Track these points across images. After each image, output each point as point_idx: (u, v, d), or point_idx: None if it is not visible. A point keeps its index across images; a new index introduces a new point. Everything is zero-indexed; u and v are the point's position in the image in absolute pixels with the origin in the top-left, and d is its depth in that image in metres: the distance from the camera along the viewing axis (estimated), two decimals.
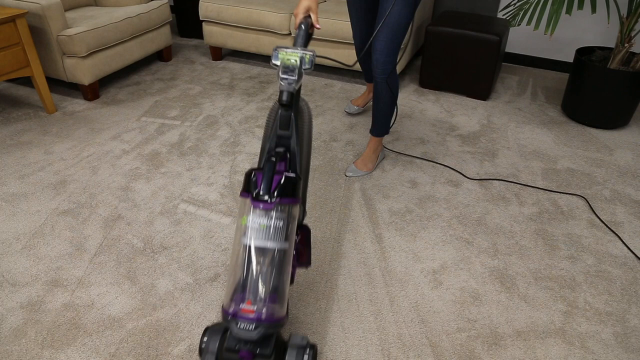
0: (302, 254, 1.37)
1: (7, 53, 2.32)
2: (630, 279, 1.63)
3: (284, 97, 1.19)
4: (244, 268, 1.14)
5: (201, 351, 1.15)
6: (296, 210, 1.20)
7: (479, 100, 2.88)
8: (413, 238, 1.79)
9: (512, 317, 1.48)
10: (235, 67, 3.30)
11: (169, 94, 2.88)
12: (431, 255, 1.71)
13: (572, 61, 3.06)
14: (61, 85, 2.96)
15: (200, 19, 3.23)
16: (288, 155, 1.27)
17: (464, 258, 1.70)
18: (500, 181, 2.13)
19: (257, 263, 1.14)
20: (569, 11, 2.09)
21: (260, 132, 2.47)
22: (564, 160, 2.30)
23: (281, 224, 1.16)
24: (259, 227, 1.15)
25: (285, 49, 1.24)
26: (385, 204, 1.96)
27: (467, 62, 2.79)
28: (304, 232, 1.36)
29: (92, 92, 2.75)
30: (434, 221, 1.88)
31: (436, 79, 2.95)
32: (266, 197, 1.14)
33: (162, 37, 3.16)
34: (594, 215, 1.93)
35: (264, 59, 3.46)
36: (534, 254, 1.73)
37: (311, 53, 1.23)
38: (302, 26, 1.37)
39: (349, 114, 2.63)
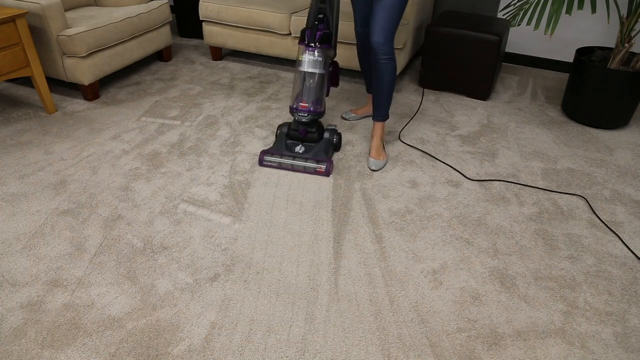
0: (333, 78, 2.27)
1: (7, 53, 2.32)
2: (630, 279, 1.63)
3: None
4: (300, 83, 2.10)
5: (276, 135, 2.23)
6: (330, 52, 2.10)
7: (479, 100, 2.88)
8: (413, 238, 1.79)
9: (512, 317, 1.48)
10: (235, 67, 3.30)
11: (169, 94, 2.88)
12: (431, 255, 1.71)
13: (572, 61, 3.06)
14: (61, 85, 2.96)
15: (200, 19, 3.23)
16: (325, 19, 2.06)
17: (464, 258, 1.70)
18: (500, 181, 2.13)
19: (308, 80, 2.09)
20: (569, 11, 2.09)
21: (260, 132, 2.47)
22: (564, 160, 2.30)
23: (321, 59, 2.07)
24: (308, 60, 2.07)
25: None
26: (385, 204, 1.96)
27: (467, 62, 2.79)
28: (335, 65, 2.24)
29: (92, 92, 2.75)
30: (434, 221, 1.88)
31: (436, 79, 2.95)
32: (312, 44, 2.05)
33: (162, 37, 3.16)
34: (594, 215, 1.93)
35: (264, 59, 3.46)
36: (534, 254, 1.73)
37: None
38: None
39: (345, 119, 2.62)
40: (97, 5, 3.20)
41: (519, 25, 2.50)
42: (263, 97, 2.87)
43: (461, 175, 2.16)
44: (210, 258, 1.68)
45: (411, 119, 2.63)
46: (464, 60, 2.79)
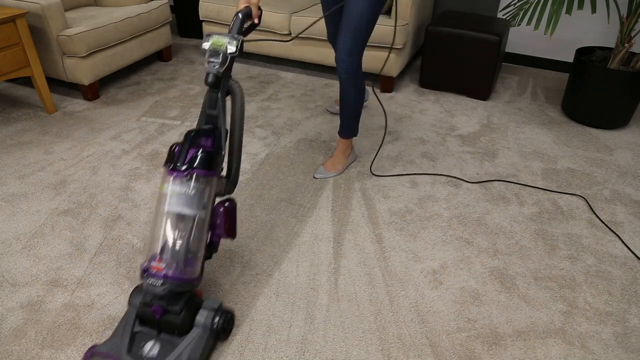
0: (226, 225, 1.43)
1: (7, 53, 2.32)
2: (630, 279, 1.63)
3: (209, 79, 1.32)
4: (157, 229, 1.27)
5: (126, 315, 1.32)
6: (213, 182, 1.32)
7: (479, 100, 2.88)
8: (413, 238, 1.79)
9: (512, 317, 1.48)
10: (235, 67, 3.30)
11: (169, 94, 2.88)
12: (431, 255, 1.71)
13: (572, 61, 3.06)
14: (61, 85, 2.96)
15: (200, 19, 3.23)
16: (215, 133, 1.37)
17: (464, 258, 1.70)
18: (500, 181, 2.13)
19: (170, 226, 1.26)
20: (569, 11, 2.09)
21: (260, 132, 2.47)
22: (564, 160, 2.30)
23: (194, 193, 1.27)
24: (173, 194, 1.26)
25: (216, 35, 1.34)
26: (385, 204, 1.96)
27: (467, 62, 2.79)
28: (228, 206, 1.42)
29: (92, 92, 2.75)
30: (434, 221, 1.88)
31: (436, 79, 2.95)
32: (182, 167, 1.27)
33: (162, 37, 3.16)
34: (594, 215, 1.93)
35: (264, 59, 3.46)
36: (534, 254, 1.73)
37: (237, 40, 1.32)
38: (239, 15, 1.42)
39: (332, 113, 2.62)
40: (97, 5, 3.20)
41: (519, 25, 2.50)
42: (263, 97, 2.87)
43: (461, 175, 2.16)
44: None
45: (379, 149, 2.63)
46: (464, 60, 2.79)
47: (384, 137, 2.20)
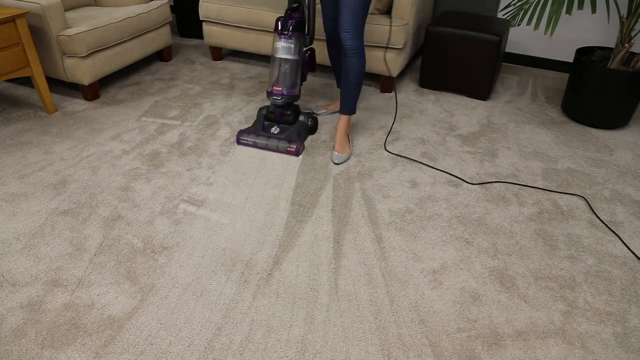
0: (310, 64, 2.34)
1: (7, 53, 2.32)
2: (630, 279, 1.63)
3: None
4: (275, 69, 2.23)
5: (258, 116, 2.39)
6: (301, 39, 2.20)
7: (479, 100, 2.88)
8: (413, 238, 1.79)
9: (512, 317, 1.48)
10: (235, 67, 3.30)
11: (169, 94, 2.88)
12: (431, 255, 1.71)
13: (572, 61, 3.06)
14: (61, 85, 2.96)
15: (200, 19, 3.22)
16: (300, 9, 2.17)
17: (464, 258, 1.70)
18: (500, 182, 2.13)
19: (282, 66, 2.21)
20: (569, 11, 2.09)
21: None
22: (564, 160, 2.30)
23: (293, 46, 2.18)
24: (282, 47, 2.19)
25: None
26: (385, 204, 1.96)
27: (467, 62, 2.79)
28: (311, 52, 2.33)
29: (92, 92, 2.75)
30: (434, 221, 1.88)
31: (436, 79, 2.95)
32: (285, 31, 2.16)
33: (162, 37, 3.16)
34: (594, 215, 1.93)
35: (264, 59, 3.46)
36: (534, 254, 1.73)
37: None
38: None
39: (317, 114, 2.65)
40: (97, 5, 3.20)
41: (519, 25, 2.50)
42: (263, 97, 2.87)
43: (461, 175, 2.16)
44: (210, 258, 1.68)
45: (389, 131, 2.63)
46: (464, 60, 2.79)
47: (395, 115, 2.21)
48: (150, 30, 3.04)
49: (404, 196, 2.02)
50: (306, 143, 2.39)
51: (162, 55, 3.32)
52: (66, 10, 3.02)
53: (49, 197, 1.96)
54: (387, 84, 2.92)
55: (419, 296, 1.55)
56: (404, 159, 2.27)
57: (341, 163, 2.22)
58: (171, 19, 3.92)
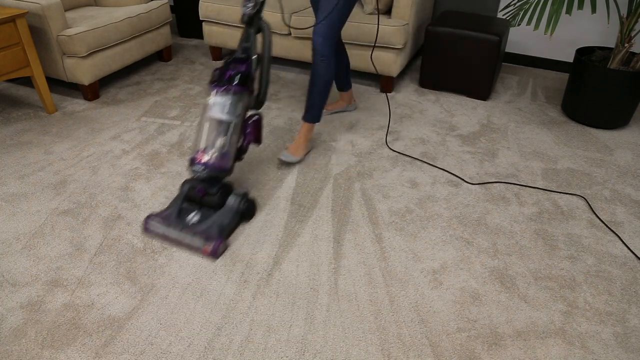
0: (254, 134, 1.86)
1: (7, 53, 2.32)
2: (630, 279, 1.63)
3: (245, 18, 1.73)
4: (201, 130, 1.72)
5: (179, 192, 1.78)
6: (244, 96, 1.74)
7: (479, 100, 2.88)
8: (413, 238, 1.79)
9: (512, 317, 1.48)
10: None
11: (169, 94, 2.88)
12: (431, 255, 1.71)
13: (572, 61, 3.06)
14: (61, 85, 2.96)
15: (200, 19, 3.23)
16: (248, 60, 1.76)
17: (464, 258, 1.70)
18: (500, 182, 2.13)
19: (211, 128, 1.70)
20: (569, 11, 2.09)
21: None
22: (564, 160, 2.30)
23: (230, 103, 1.70)
24: (214, 104, 1.70)
25: None
26: (385, 204, 1.96)
27: (467, 62, 2.79)
28: (256, 119, 1.85)
29: (92, 92, 2.75)
30: (434, 221, 1.88)
31: (436, 79, 2.95)
32: (222, 83, 1.70)
33: (162, 37, 3.16)
34: (594, 215, 1.93)
35: None
36: (534, 254, 1.73)
37: None
38: None
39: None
40: (97, 5, 3.20)
41: (519, 25, 2.50)
42: None
43: (461, 175, 2.16)
44: (209, 258, 1.68)
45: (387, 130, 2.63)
46: (464, 60, 2.79)
47: (389, 113, 2.21)
48: (150, 30, 3.04)
49: (404, 196, 2.02)
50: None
51: (162, 55, 3.32)
52: (66, 10, 3.02)
53: (49, 197, 1.96)
54: (387, 84, 2.92)
55: (419, 296, 1.55)
56: (404, 159, 2.27)
57: (286, 162, 2.18)
58: (171, 19, 3.92)
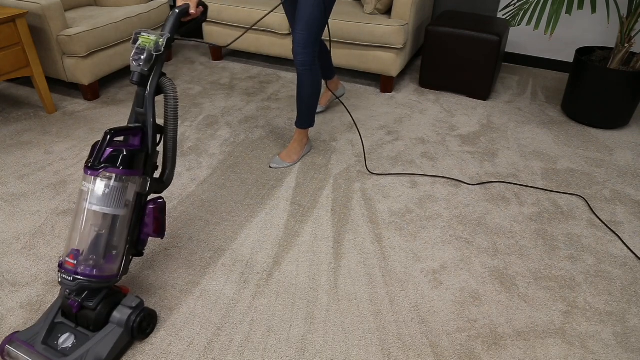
0: (155, 224, 1.40)
1: (7, 53, 2.32)
2: (630, 279, 1.63)
3: (134, 78, 1.33)
4: (75, 226, 1.27)
5: (51, 308, 1.34)
6: (134, 180, 1.30)
7: (479, 100, 2.88)
8: (413, 238, 1.79)
9: (512, 317, 1.48)
10: (235, 67, 3.30)
11: None
12: (431, 255, 1.71)
13: (572, 61, 3.06)
14: (61, 85, 2.96)
15: None
16: (142, 131, 1.36)
17: (464, 258, 1.70)
18: (500, 182, 2.13)
19: (87, 223, 1.26)
20: (569, 11, 2.09)
21: (260, 132, 2.47)
22: (564, 160, 2.30)
23: (111, 191, 1.26)
24: (91, 192, 1.25)
25: (145, 33, 1.34)
26: (385, 204, 1.96)
27: (467, 62, 2.79)
28: (156, 205, 1.39)
29: (92, 92, 2.75)
30: (434, 221, 1.88)
31: (436, 79, 2.95)
32: (98, 166, 1.25)
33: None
34: (594, 215, 1.93)
35: (264, 59, 3.46)
36: (534, 254, 1.73)
37: (164, 38, 1.33)
38: (176, 10, 1.43)
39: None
40: (97, 5, 3.20)
41: (519, 25, 2.50)
42: (263, 97, 2.87)
43: (461, 175, 2.16)
44: (209, 258, 1.68)
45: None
46: (464, 60, 2.79)
47: (359, 130, 2.20)
48: None
49: (404, 196, 2.02)
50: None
51: None
52: (66, 10, 3.02)
53: (49, 197, 1.96)
54: (387, 84, 2.92)
55: (419, 296, 1.55)
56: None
57: (276, 168, 2.16)
58: None
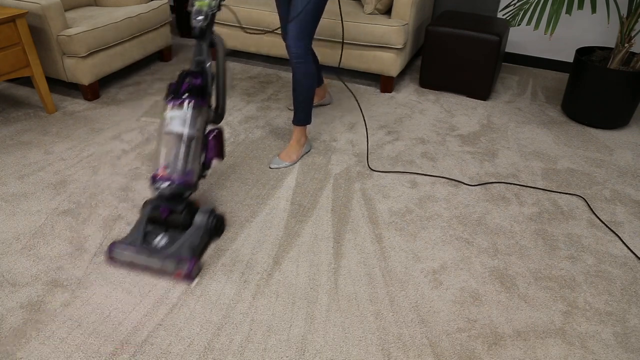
0: (216, 149, 1.78)
1: (7, 53, 2.32)
2: (630, 279, 1.63)
3: (196, 32, 1.64)
4: (161, 146, 1.62)
5: (140, 216, 1.68)
6: (202, 110, 1.66)
7: (479, 100, 2.88)
8: (413, 238, 1.79)
9: (512, 317, 1.48)
10: (235, 67, 3.30)
11: None
12: (431, 255, 1.71)
13: (572, 61, 3.06)
14: (61, 85, 2.96)
15: None
16: (202, 74, 1.68)
17: (464, 258, 1.70)
18: (500, 183, 2.13)
19: (171, 143, 1.61)
20: (569, 11, 2.09)
21: (260, 132, 2.47)
22: (564, 160, 2.30)
23: (188, 115, 1.61)
24: (172, 118, 1.60)
25: None
26: (385, 204, 1.96)
27: (467, 62, 2.79)
28: (217, 133, 1.77)
29: (92, 92, 2.75)
30: (434, 221, 1.88)
31: (436, 79, 2.95)
32: (178, 96, 1.61)
33: (162, 37, 3.16)
34: (594, 215, 1.93)
35: (264, 59, 3.46)
36: (534, 254, 1.73)
37: (216, 0, 1.65)
38: None
39: (291, 110, 2.68)
40: (97, 5, 3.20)
41: (519, 25, 2.50)
42: (263, 97, 2.87)
43: (461, 175, 2.16)
44: (210, 258, 1.68)
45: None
46: (464, 60, 2.79)
47: (365, 124, 2.21)
48: (150, 30, 3.04)
49: (404, 196, 2.02)
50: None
51: (162, 55, 3.32)
52: (66, 10, 3.02)
53: (49, 197, 1.96)
54: (387, 84, 2.92)
55: (419, 296, 1.55)
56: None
57: (276, 169, 2.17)
58: (171, 19, 3.92)
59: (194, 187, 1.64)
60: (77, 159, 2.23)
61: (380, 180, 2.12)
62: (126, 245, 1.60)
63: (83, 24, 2.65)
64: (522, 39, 3.32)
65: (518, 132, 2.54)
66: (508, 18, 3.05)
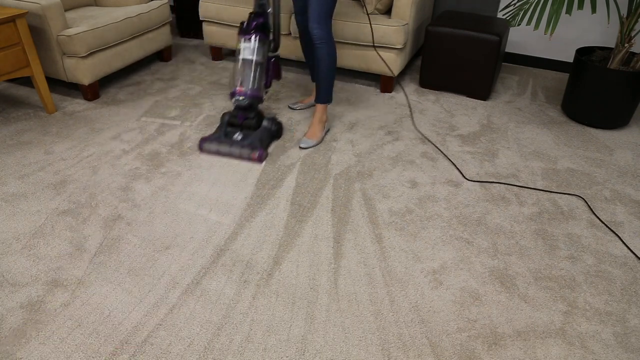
0: (275, 70, 2.36)
1: (7, 53, 2.32)
2: (630, 279, 1.63)
3: None
4: (239, 70, 2.21)
5: (221, 122, 2.33)
6: (266, 42, 2.22)
7: (479, 100, 2.88)
8: (413, 238, 1.79)
9: (512, 317, 1.48)
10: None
11: (169, 94, 2.88)
12: (431, 255, 1.71)
13: (572, 61, 3.06)
14: (61, 85, 2.96)
15: (200, 19, 3.22)
16: (264, 13, 2.20)
17: (464, 258, 1.70)
18: (500, 183, 2.13)
19: (244, 67, 2.20)
20: (569, 11, 2.09)
21: None
22: (564, 160, 2.30)
23: (257, 46, 2.18)
24: (245, 48, 2.19)
25: None
26: (385, 204, 1.96)
27: (467, 62, 2.79)
28: (276, 59, 2.35)
29: (92, 92, 2.75)
30: (434, 221, 1.88)
31: (436, 79, 2.95)
32: (249, 31, 2.17)
33: (162, 37, 3.16)
34: (594, 215, 1.93)
35: None
36: (534, 254, 1.73)
37: None
38: None
39: (292, 109, 2.72)
40: (97, 5, 3.20)
41: (519, 25, 2.50)
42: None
43: (461, 175, 2.16)
44: (209, 258, 1.68)
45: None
46: (464, 60, 2.79)
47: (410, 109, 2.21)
48: (150, 30, 3.04)
49: (404, 196, 2.02)
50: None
51: (162, 55, 3.32)
52: (66, 10, 3.02)
53: (49, 197, 1.96)
54: (387, 83, 2.92)
55: (419, 296, 1.55)
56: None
57: (307, 148, 2.32)
58: (171, 19, 3.92)
59: (261, 99, 2.25)
60: (77, 159, 2.23)
61: (380, 180, 2.12)
62: (212, 139, 2.21)
63: (83, 24, 2.65)
64: (522, 39, 3.32)
65: (518, 132, 2.54)
66: (508, 18, 3.05)
